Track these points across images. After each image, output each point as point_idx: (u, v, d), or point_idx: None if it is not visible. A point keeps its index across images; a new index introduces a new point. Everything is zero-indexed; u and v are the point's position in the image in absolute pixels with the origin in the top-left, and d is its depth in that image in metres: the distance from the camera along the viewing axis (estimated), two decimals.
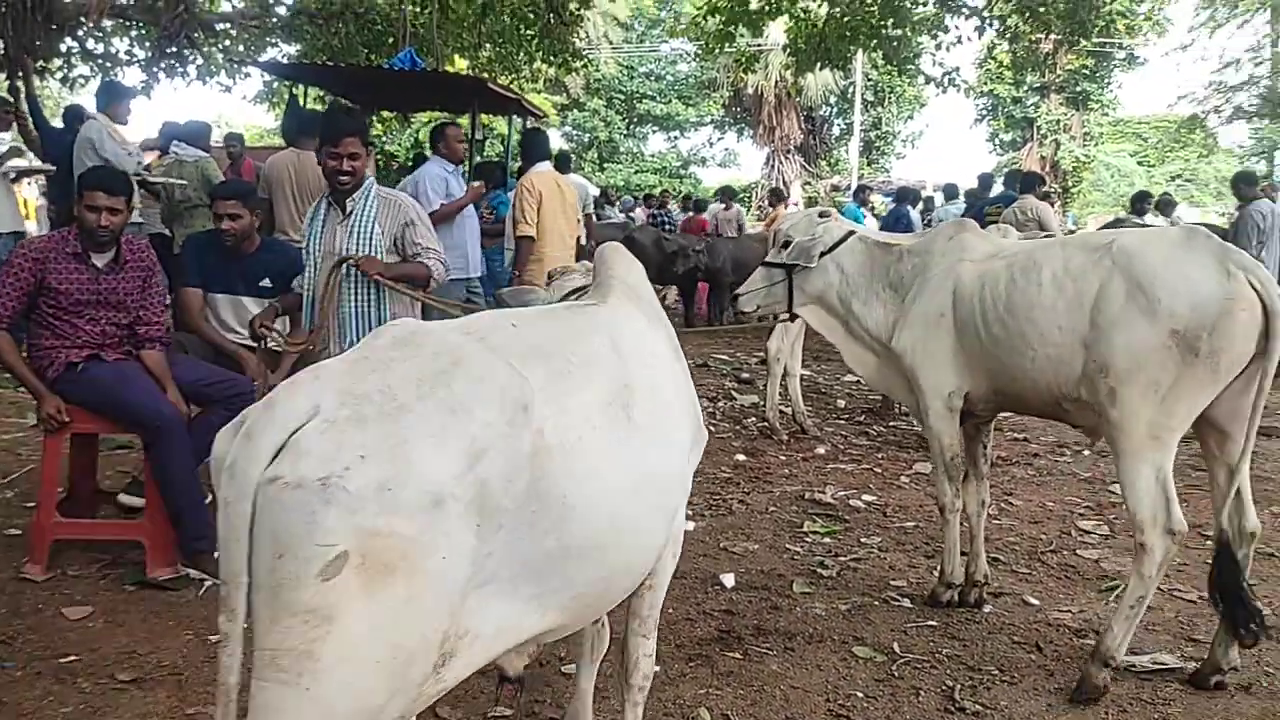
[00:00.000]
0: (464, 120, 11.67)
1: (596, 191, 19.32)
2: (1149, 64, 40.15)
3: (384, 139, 24.55)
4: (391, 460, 1.67)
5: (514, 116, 12.86)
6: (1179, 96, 22.88)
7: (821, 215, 4.54)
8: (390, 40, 14.40)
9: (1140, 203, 13.38)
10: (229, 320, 5.08)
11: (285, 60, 15.21)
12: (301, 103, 11.18)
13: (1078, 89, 34.34)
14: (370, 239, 4.20)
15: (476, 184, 8.09)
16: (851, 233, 4.43)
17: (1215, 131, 28.17)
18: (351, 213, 4.22)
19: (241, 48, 16.66)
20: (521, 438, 1.85)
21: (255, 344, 4.58)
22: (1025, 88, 34.96)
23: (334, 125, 4.28)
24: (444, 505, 1.71)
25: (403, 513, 1.67)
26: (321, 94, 13.56)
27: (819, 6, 14.99)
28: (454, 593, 1.76)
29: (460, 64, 17.40)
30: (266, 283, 5.03)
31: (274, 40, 16.60)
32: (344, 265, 4.15)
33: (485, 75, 15.31)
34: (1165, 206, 14.64)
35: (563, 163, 13.15)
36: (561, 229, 7.29)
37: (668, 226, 16.10)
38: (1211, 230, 3.69)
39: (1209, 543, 3.88)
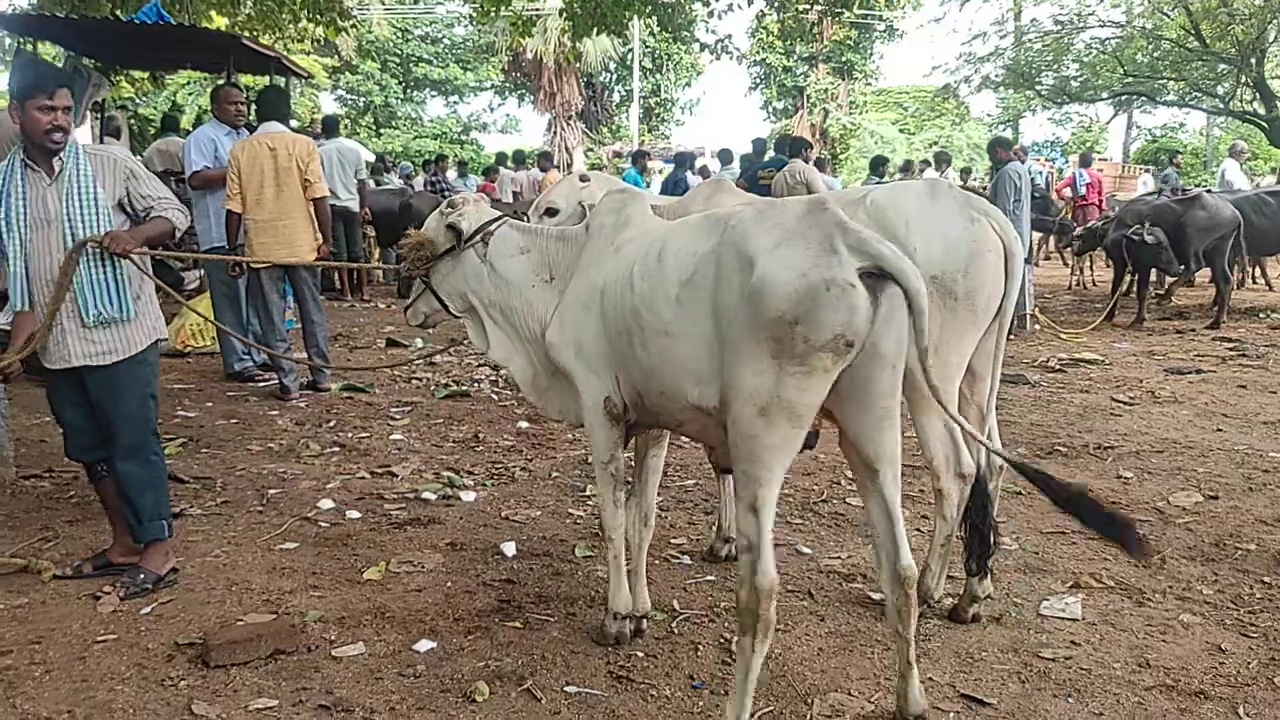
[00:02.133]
0: (183, 74, 10.94)
1: (371, 157, 18.68)
2: (906, 36, 42.27)
3: (137, 102, 22.89)
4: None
5: (275, 77, 12.15)
6: (933, 67, 24.32)
7: (582, 180, 4.49)
8: None
9: (880, 166, 15.00)
10: None
11: (16, 13, 13.86)
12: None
13: (843, 59, 35.79)
14: (95, 202, 3.78)
15: None
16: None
17: (966, 101, 29.93)
18: (62, 173, 3.77)
19: None
20: None
21: None
22: (795, 57, 36.18)
23: (43, 73, 3.81)
24: None
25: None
26: (60, 52, 12.44)
27: None
28: None
29: (220, 21, 16.35)
30: None
31: None
32: (86, 246, 3.75)
33: (245, 34, 14.42)
34: (940, 163, 16.21)
35: (330, 127, 12.60)
36: (267, 196, 6.97)
37: (447, 193, 15.75)
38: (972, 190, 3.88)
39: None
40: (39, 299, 3.81)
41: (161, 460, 4.12)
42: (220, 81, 10.41)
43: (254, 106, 7.78)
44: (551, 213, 4.38)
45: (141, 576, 3.98)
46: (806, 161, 10.95)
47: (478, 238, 3.59)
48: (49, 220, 3.76)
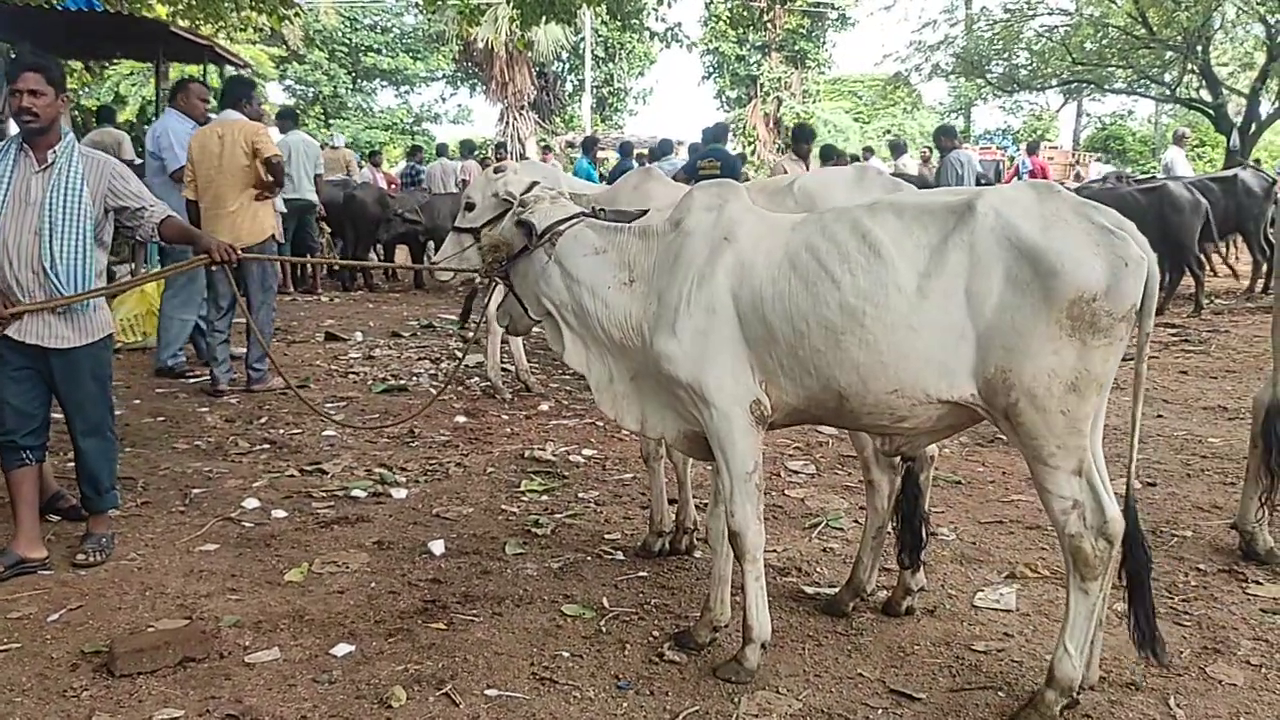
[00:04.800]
0: (125, 64, 10.66)
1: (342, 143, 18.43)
2: (858, 24, 42.35)
3: (79, 93, 22.37)
4: None
5: (212, 65, 11.90)
6: (884, 55, 24.32)
7: (496, 170, 4.39)
8: None
9: (830, 156, 15.02)
10: None
11: None
12: None
13: (796, 48, 35.81)
14: (79, 196, 4.01)
15: None
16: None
17: (918, 89, 30.07)
18: (52, 164, 4.01)
19: None
20: None
21: None
22: (748, 46, 36.14)
23: (15, 62, 4.15)
24: None
25: None
26: None
27: None
28: None
29: (161, 10, 16.00)
30: None
31: None
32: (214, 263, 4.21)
33: (186, 23, 14.10)
34: (895, 150, 16.81)
35: (288, 118, 12.40)
36: (214, 184, 6.90)
37: (421, 182, 15.70)
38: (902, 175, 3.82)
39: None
40: (5, 272, 3.95)
41: (115, 438, 4.42)
42: (193, 75, 10.18)
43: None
44: (470, 207, 4.29)
45: (104, 540, 4.25)
46: (803, 156, 9.95)
47: (545, 238, 3.41)
48: (28, 203, 3.96)
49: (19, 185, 3.98)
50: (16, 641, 3.46)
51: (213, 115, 7.65)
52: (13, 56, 10.69)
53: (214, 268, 4.42)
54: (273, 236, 7.19)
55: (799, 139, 10.21)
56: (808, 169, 9.60)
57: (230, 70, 14.20)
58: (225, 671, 3.27)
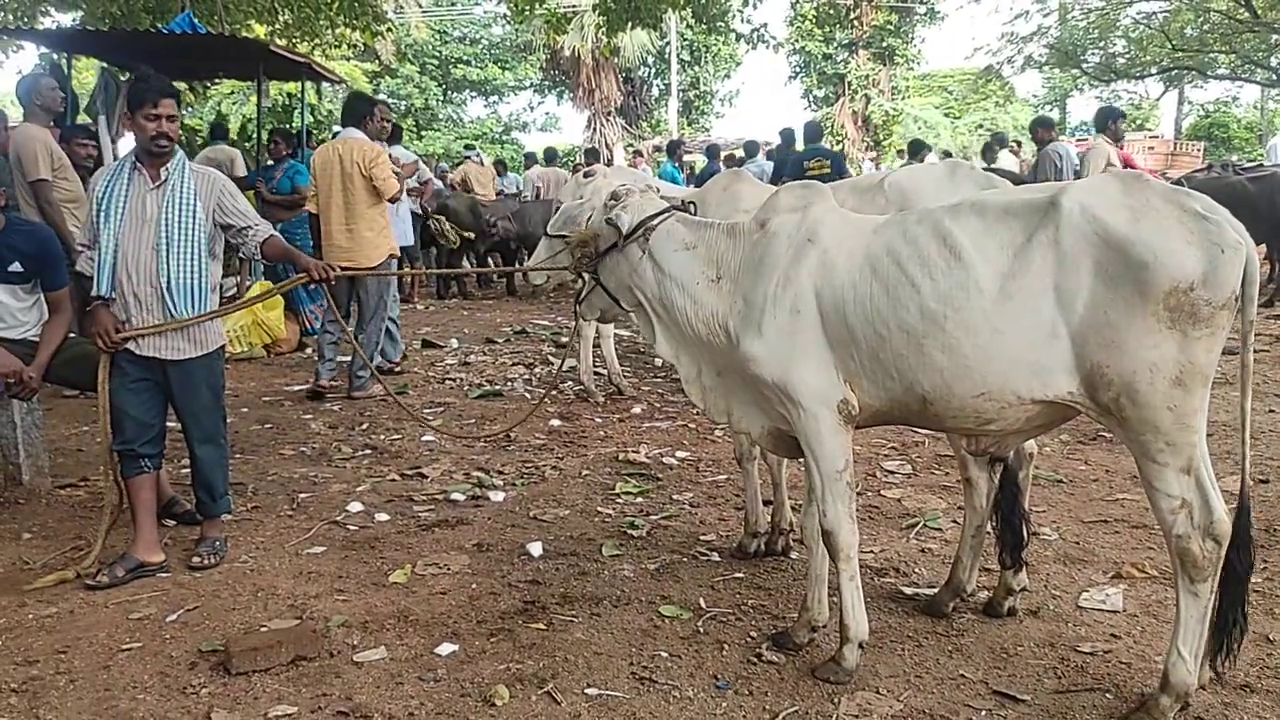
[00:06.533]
0: (227, 84, 11.01)
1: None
2: (948, 18, 41.65)
3: (185, 113, 23.20)
4: None
5: (309, 82, 12.25)
6: (975, 49, 23.94)
7: (586, 175, 4.44)
8: (182, 7, 13.54)
9: (919, 151, 15.15)
10: None
11: (59, 29, 14.08)
12: (66, 73, 10.35)
13: (884, 44, 35.33)
14: (193, 212, 4.16)
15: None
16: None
17: (1010, 81, 29.50)
18: (166, 181, 4.15)
19: (10, 18, 15.42)
20: None
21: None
22: (835, 44, 35.79)
23: (150, 86, 4.15)
24: None
25: None
26: (105, 65, 12.63)
27: None
28: None
29: (260, 30, 16.52)
30: (16, 267, 4.65)
31: (46, 9, 15.42)
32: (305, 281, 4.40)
33: (282, 41, 14.54)
34: (999, 144, 16.66)
35: (391, 133, 12.73)
36: (335, 202, 7.15)
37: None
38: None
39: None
40: (124, 287, 4.11)
41: (228, 445, 4.61)
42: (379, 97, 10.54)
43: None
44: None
45: (218, 543, 4.40)
46: (1116, 138, 9.65)
47: (639, 232, 3.50)
48: (145, 220, 4.12)
49: (135, 203, 4.13)
50: (138, 641, 3.61)
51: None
52: (123, 79, 11.18)
53: (312, 286, 4.56)
54: (390, 255, 7.41)
55: (1114, 118, 9.95)
56: (1120, 151, 9.59)
57: (326, 86, 14.56)
58: (335, 670, 3.37)
